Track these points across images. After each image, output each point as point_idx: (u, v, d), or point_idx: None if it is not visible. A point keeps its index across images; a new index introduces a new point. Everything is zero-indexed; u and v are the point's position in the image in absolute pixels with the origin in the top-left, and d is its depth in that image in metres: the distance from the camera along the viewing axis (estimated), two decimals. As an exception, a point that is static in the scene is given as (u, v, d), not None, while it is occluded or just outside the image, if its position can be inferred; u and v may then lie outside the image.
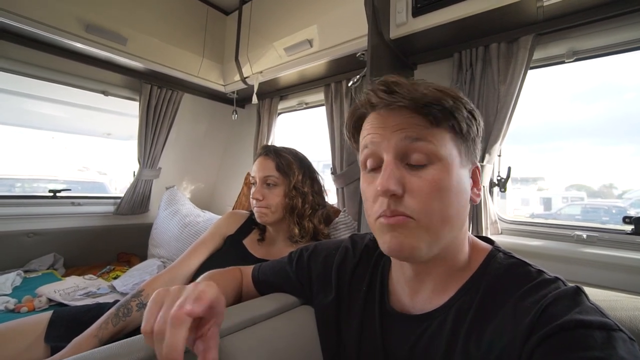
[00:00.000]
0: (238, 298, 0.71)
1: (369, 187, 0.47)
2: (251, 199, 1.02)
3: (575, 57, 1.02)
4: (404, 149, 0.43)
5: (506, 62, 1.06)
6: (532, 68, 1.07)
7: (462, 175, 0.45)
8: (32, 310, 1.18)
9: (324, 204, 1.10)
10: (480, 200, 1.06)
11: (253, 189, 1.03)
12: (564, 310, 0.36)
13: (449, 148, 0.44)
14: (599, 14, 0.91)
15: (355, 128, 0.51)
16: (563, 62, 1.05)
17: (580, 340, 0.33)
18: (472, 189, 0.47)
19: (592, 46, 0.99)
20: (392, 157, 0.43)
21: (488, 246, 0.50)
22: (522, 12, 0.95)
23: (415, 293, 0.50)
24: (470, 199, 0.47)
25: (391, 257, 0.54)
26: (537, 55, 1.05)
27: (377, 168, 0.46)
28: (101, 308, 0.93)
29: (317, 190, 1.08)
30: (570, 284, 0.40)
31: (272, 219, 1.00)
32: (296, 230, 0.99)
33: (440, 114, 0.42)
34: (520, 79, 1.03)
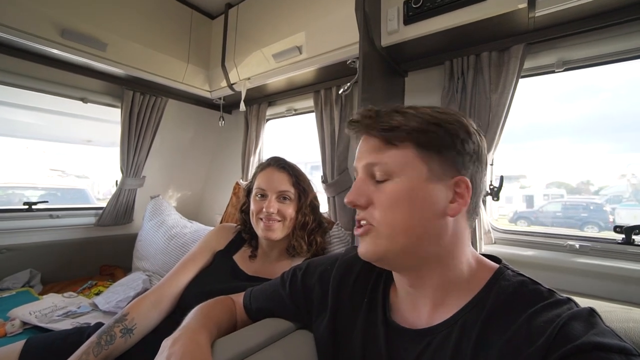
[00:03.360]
0: (233, 330, 0.67)
1: None
2: (256, 213, 0.97)
3: (565, 67, 1.03)
4: (368, 167, 0.49)
5: (497, 71, 1.06)
6: (523, 77, 1.07)
7: (430, 189, 0.46)
8: (3, 337, 1.09)
9: (322, 217, 1.09)
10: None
11: (258, 201, 0.98)
12: (581, 331, 0.35)
13: (411, 164, 0.46)
14: (588, 25, 0.91)
15: None
16: (553, 72, 1.06)
17: None
18: (452, 202, 0.46)
19: (582, 56, 1.00)
20: (362, 174, 0.51)
21: (495, 264, 0.49)
22: (513, 22, 0.95)
23: (416, 306, 0.51)
24: (446, 213, 0.46)
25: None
26: (527, 64, 1.06)
27: None
28: (81, 333, 0.87)
29: (319, 205, 1.08)
30: (583, 306, 0.40)
31: (282, 235, 0.97)
32: (304, 247, 0.98)
33: (395, 134, 0.47)
34: (512, 88, 1.03)
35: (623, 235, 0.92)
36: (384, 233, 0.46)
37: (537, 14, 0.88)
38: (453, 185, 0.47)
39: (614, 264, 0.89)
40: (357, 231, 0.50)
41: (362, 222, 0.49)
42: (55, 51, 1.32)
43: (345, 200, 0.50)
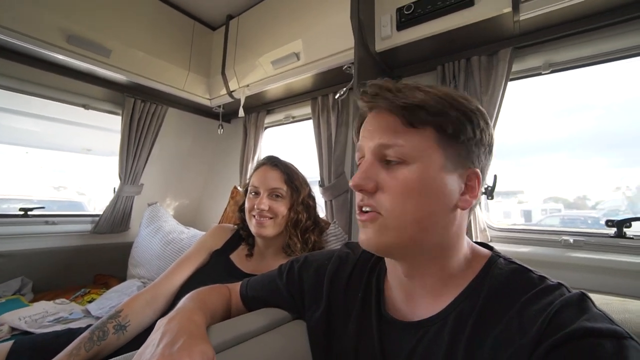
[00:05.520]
0: (227, 318, 0.67)
1: None
2: (249, 210, 0.99)
3: (551, 69, 1.07)
4: (380, 148, 0.45)
5: (487, 74, 1.10)
6: (511, 80, 1.11)
7: (445, 179, 0.43)
8: (-8, 341, 1.06)
9: (318, 217, 1.10)
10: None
11: (252, 198, 0.99)
12: (572, 318, 0.35)
13: (429, 150, 0.43)
14: (572, 28, 0.96)
15: (358, 131, 0.54)
16: (540, 74, 1.10)
17: (590, 351, 0.32)
18: (463, 194, 0.45)
19: (567, 58, 1.04)
20: (370, 155, 0.46)
21: (487, 252, 0.49)
22: (500, 27, 1.00)
23: (411, 298, 0.50)
24: (457, 205, 0.44)
25: (385, 261, 0.54)
26: (515, 67, 1.10)
27: None
28: (72, 334, 0.85)
29: (315, 204, 1.09)
30: (575, 290, 0.39)
31: (274, 232, 0.97)
32: (298, 245, 0.98)
33: (418, 115, 0.43)
34: (502, 89, 1.07)
35: (615, 229, 0.94)
36: (392, 224, 0.43)
37: (521, 18, 0.93)
38: (465, 177, 0.45)
39: (607, 257, 0.90)
40: (362, 217, 0.45)
41: (367, 209, 0.45)
42: (61, 57, 1.36)
43: (351, 183, 0.46)
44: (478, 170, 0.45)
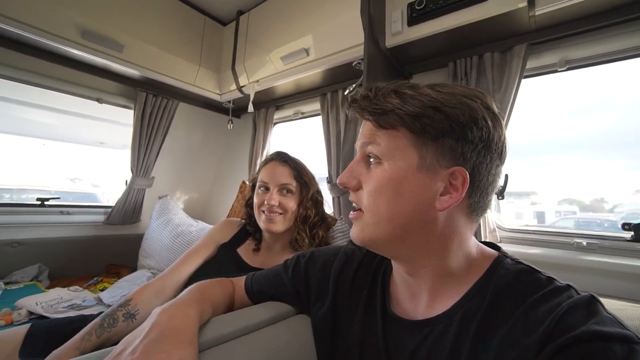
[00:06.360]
0: (229, 311, 0.68)
1: None
2: (258, 205, 0.99)
3: (567, 66, 1.04)
4: (363, 149, 0.49)
5: (500, 71, 1.07)
6: (525, 77, 1.08)
7: (418, 179, 0.43)
8: (10, 324, 1.11)
9: (326, 213, 1.11)
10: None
11: (261, 194, 1.00)
12: (580, 320, 0.34)
13: (401, 150, 0.44)
14: (589, 24, 0.93)
15: None
16: (556, 71, 1.07)
17: (598, 354, 0.31)
18: (443, 194, 0.43)
19: (584, 55, 1.01)
20: (358, 156, 0.50)
21: (494, 252, 0.48)
22: (514, 22, 0.97)
23: (415, 296, 0.50)
24: (434, 206, 0.43)
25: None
26: (530, 64, 1.07)
27: None
28: (84, 320, 0.88)
29: (322, 200, 1.09)
30: (584, 292, 0.38)
31: (283, 227, 0.97)
32: (306, 240, 0.99)
33: (387, 119, 0.45)
34: (515, 87, 1.04)
35: (632, 233, 0.91)
36: (370, 221, 0.46)
37: (537, 13, 0.90)
38: (448, 176, 0.43)
39: (622, 262, 0.87)
40: (350, 215, 0.50)
41: (354, 205, 0.50)
42: (75, 51, 1.39)
43: (337, 180, 0.50)
44: (464, 169, 0.42)
